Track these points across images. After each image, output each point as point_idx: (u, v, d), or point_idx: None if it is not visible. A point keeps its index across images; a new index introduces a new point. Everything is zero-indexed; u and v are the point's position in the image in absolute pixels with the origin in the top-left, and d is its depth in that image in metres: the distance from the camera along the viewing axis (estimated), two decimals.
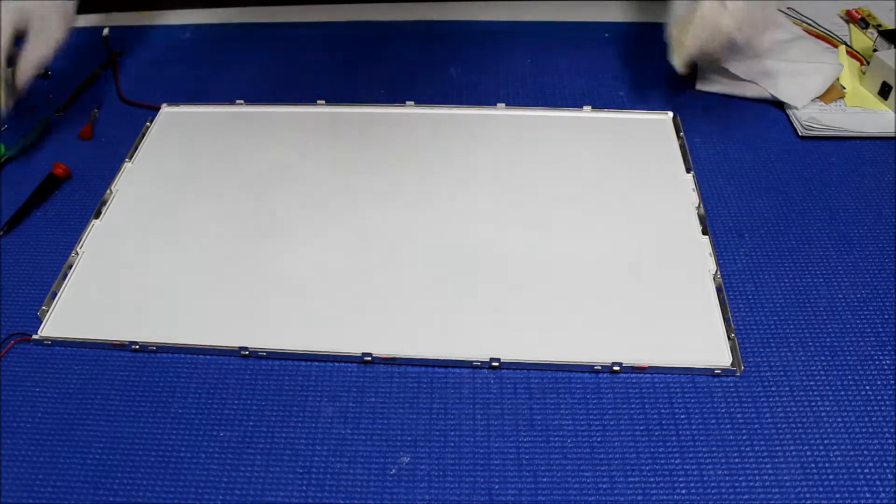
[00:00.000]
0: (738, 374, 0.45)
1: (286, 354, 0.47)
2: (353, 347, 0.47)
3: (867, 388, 0.45)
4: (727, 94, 0.66)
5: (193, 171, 0.60)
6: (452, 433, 0.43)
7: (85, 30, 0.78)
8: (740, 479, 0.41)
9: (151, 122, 0.65)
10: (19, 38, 0.59)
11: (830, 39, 0.72)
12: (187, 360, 0.47)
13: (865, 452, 0.41)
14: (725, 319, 0.48)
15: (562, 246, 0.53)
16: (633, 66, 0.71)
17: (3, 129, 0.65)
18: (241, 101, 0.67)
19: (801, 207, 0.56)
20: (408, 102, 0.66)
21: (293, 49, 0.75)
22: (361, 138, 0.62)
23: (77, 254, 0.53)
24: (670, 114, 0.64)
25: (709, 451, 0.42)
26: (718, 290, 0.50)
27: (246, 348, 0.47)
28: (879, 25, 0.73)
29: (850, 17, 0.75)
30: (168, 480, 0.41)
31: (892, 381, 0.45)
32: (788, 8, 0.75)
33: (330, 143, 0.62)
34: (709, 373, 0.45)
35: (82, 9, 0.82)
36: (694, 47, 0.58)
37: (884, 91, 0.64)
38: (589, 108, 0.65)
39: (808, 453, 0.42)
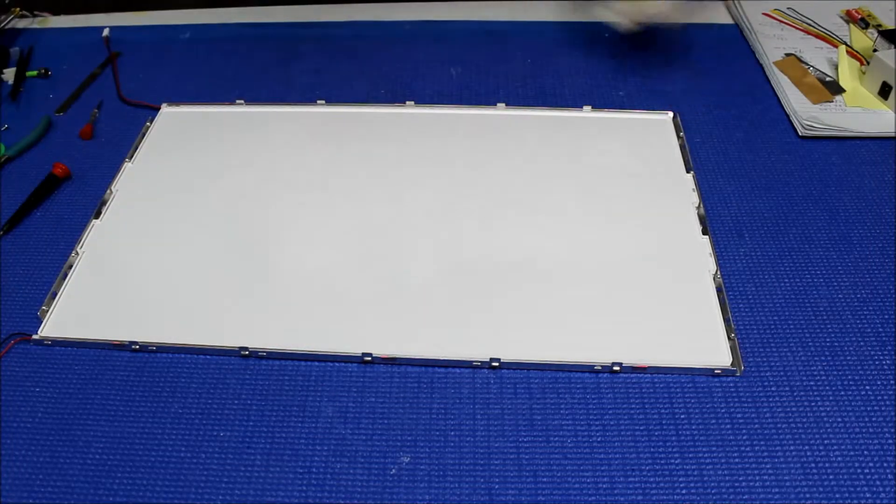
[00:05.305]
0: (738, 374, 0.45)
1: (286, 354, 0.47)
2: (353, 347, 0.47)
3: (867, 388, 0.45)
4: None
5: (193, 171, 0.60)
6: (452, 433, 0.43)
7: (85, 30, 0.78)
8: (740, 479, 0.41)
9: (151, 122, 0.65)
10: None
11: (830, 39, 0.72)
12: (187, 360, 0.47)
13: (865, 452, 0.41)
14: (725, 319, 0.48)
15: (562, 246, 0.53)
16: (633, 66, 0.71)
17: (3, 129, 0.65)
18: (241, 101, 0.67)
19: (801, 207, 0.56)
20: (408, 102, 0.66)
21: (293, 49, 0.75)
22: (361, 138, 0.62)
23: (77, 254, 0.53)
24: (670, 114, 0.64)
25: (709, 451, 0.42)
26: (718, 290, 0.50)
27: (246, 348, 0.47)
28: (879, 25, 0.73)
29: (850, 17, 0.75)
30: (168, 480, 0.41)
31: (892, 381, 0.45)
32: (788, 8, 0.75)
33: (330, 143, 0.62)
34: (709, 373, 0.45)
35: (82, 9, 0.82)
36: None
37: (884, 91, 0.64)
38: (589, 108, 0.65)
39: (808, 453, 0.42)
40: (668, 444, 0.42)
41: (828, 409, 0.44)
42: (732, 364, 0.45)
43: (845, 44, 0.70)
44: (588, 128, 0.63)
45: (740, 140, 0.62)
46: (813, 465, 0.41)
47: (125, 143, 0.63)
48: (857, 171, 0.59)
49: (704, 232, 0.53)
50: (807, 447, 0.42)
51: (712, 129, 0.63)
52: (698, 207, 0.55)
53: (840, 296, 0.50)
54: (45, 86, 0.71)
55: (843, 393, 0.44)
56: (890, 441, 0.42)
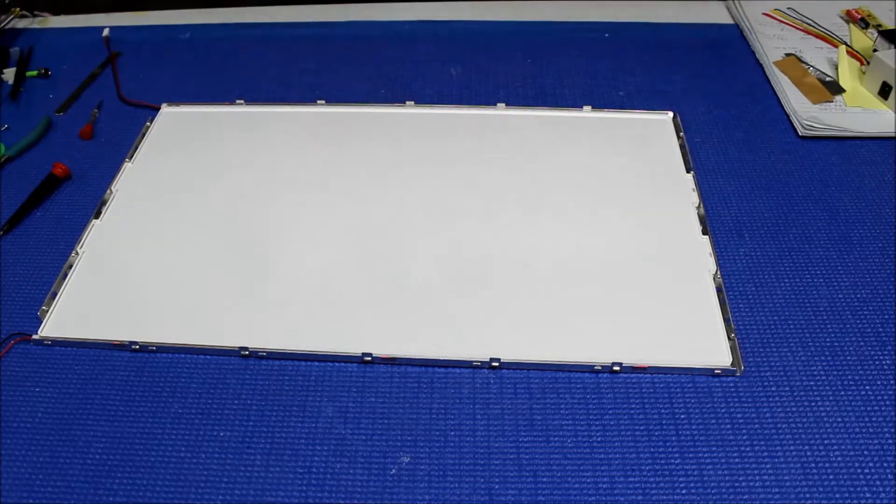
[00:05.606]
0: (738, 374, 0.45)
1: (286, 354, 0.47)
2: (353, 347, 0.47)
3: (867, 388, 0.45)
4: None
5: (193, 171, 0.60)
6: (452, 433, 0.43)
7: (85, 30, 0.78)
8: (740, 479, 0.41)
9: (151, 122, 0.65)
10: None
11: (830, 39, 0.72)
12: (187, 360, 0.47)
13: (865, 452, 0.41)
14: (725, 319, 0.48)
15: (562, 246, 0.53)
16: (633, 66, 0.71)
17: (3, 129, 0.65)
18: (241, 101, 0.67)
19: (801, 207, 0.56)
20: (408, 102, 0.66)
21: (293, 49, 0.75)
22: (361, 138, 0.62)
23: (77, 254, 0.53)
24: (670, 114, 0.64)
25: (709, 451, 0.42)
26: (718, 290, 0.50)
27: (246, 348, 0.47)
28: (879, 25, 0.73)
29: (850, 17, 0.75)
30: (168, 480, 0.41)
31: (892, 381, 0.45)
32: (788, 8, 0.75)
33: (330, 143, 0.62)
34: (709, 373, 0.45)
35: (82, 9, 0.82)
36: None
37: (884, 91, 0.64)
38: (589, 108, 0.65)
39: (808, 453, 0.42)
40: (668, 444, 0.42)
41: (828, 409, 0.44)
42: (732, 364, 0.45)
43: (845, 44, 0.70)
44: (588, 128, 0.63)
45: (740, 140, 0.62)
46: (813, 465, 0.41)
47: (125, 143, 0.63)
48: (857, 171, 0.59)
49: (704, 232, 0.53)
50: (807, 447, 0.42)
51: (712, 129, 0.63)
52: (698, 207, 0.55)
53: (840, 296, 0.50)
54: (45, 86, 0.71)
55: (843, 393, 0.44)
56: (890, 441, 0.42)
